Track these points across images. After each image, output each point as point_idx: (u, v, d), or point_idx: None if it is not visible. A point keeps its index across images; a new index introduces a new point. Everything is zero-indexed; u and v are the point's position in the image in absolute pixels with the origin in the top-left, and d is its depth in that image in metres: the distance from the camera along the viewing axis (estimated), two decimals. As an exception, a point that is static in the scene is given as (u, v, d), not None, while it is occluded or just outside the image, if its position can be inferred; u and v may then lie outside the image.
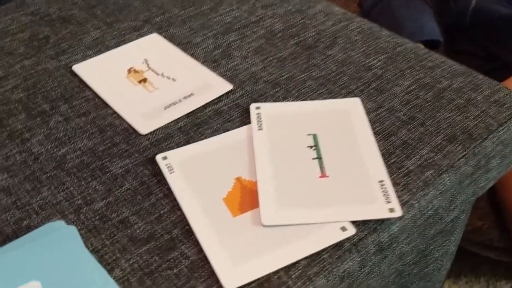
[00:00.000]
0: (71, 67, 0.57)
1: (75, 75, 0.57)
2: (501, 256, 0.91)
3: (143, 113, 0.51)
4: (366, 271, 0.42)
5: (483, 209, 0.87)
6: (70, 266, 0.37)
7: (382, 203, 0.42)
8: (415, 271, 0.60)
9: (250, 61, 0.57)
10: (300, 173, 0.44)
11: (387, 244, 0.42)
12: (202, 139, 0.48)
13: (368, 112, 0.50)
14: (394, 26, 0.81)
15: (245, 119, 0.50)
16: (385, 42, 0.59)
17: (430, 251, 0.60)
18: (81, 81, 0.56)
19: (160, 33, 0.62)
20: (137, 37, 0.61)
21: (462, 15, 0.89)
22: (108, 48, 0.60)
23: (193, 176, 0.45)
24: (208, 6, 0.66)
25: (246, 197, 0.43)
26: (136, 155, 0.47)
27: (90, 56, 0.59)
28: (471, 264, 1.08)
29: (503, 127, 0.49)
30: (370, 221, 0.41)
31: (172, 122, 0.50)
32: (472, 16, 0.87)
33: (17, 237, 0.41)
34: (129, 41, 0.61)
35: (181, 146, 0.48)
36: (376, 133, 0.48)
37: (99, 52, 0.60)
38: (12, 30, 0.64)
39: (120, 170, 0.46)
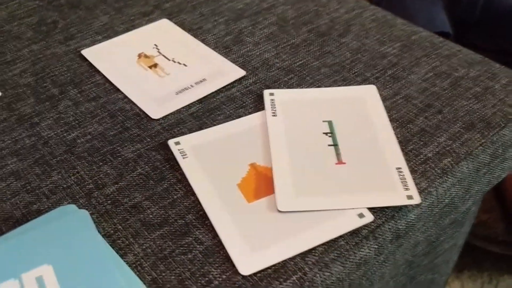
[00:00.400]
0: (80, 52, 0.56)
1: (84, 59, 0.56)
2: (505, 250, 0.91)
3: (155, 98, 0.50)
4: (382, 259, 0.41)
5: (488, 203, 0.86)
6: (82, 251, 0.36)
7: (400, 190, 0.41)
8: (425, 262, 0.59)
9: (263, 48, 0.56)
10: (316, 159, 0.44)
11: (403, 232, 0.41)
12: (214, 125, 0.48)
13: (384, 99, 0.50)
14: (405, 17, 0.80)
15: (258, 106, 0.49)
16: (399, 30, 0.59)
17: (440, 243, 0.59)
18: (90, 66, 0.55)
19: (170, 19, 0.61)
20: (147, 23, 0.61)
21: (472, 8, 0.88)
22: (117, 34, 0.59)
23: (207, 161, 0.44)
24: (219, -7, 0.65)
25: (261, 183, 0.42)
26: (148, 139, 0.46)
27: (99, 41, 0.58)
28: (474, 259, 1.08)
29: (521, 115, 0.48)
30: (387, 208, 0.40)
31: (184, 107, 0.49)
32: (482, 8, 0.86)
33: (27, 221, 0.40)
34: (139, 27, 0.60)
35: (194, 131, 0.47)
36: (392, 121, 0.47)
37: (108, 37, 0.59)
38: (20, 14, 0.63)
39: (132, 155, 0.45)
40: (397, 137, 0.46)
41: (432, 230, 0.47)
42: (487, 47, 0.88)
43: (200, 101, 0.50)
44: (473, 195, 0.49)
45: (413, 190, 0.41)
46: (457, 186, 0.44)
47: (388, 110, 0.48)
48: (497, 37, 0.86)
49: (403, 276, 0.58)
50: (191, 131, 0.47)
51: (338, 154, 0.44)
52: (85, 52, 0.56)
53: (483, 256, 1.08)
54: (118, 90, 0.52)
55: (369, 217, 0.39)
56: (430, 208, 0.43)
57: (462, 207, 0.49)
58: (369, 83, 0.51)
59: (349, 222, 0.39)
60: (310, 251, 0.38)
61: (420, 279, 0.63)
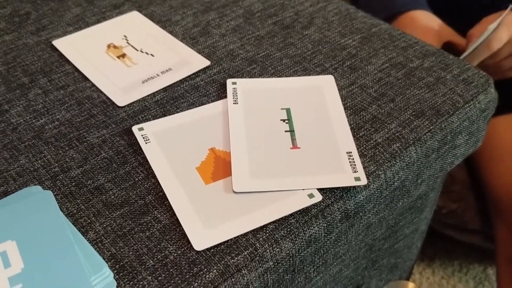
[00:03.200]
0: (51, 42, 0.58)
1: (55, 50, 0.57)
2: (474, 240, 0.94)
3: (121, 86, 0.52)
4: (333, 237, 0.44)
5: (457, 193, 0.89)
6: (44, 228, 0.38)
7: (348, 172, 0.43)
8: (386, 247, 0.62)
9: (228, 39, 0.59)
10: (273, 144, 0.46)
11: (353, 212, 0.44)
12: (178, 112, 0.50)
13: (341, 88, 0.52)
14: None
15: (221, 94, 0.52)
16: (361, 23, 0.61)
17: (400, 227, 0.62)
18: (61, 56, 0.56)
19: (140, 11, 0.63)
20: (117, 15, 0.62)
21: None
22: (88, 25, 0.61)
23: (168, 146, 0.46)
24: (189, -14, 0.67)
25: (219, 167, 0.44)
26: (113, 126, 0.48)
27: (70, 32, 0.60)
28: (445, 248, 1.11)
29: (469, 104, 0.51)
30: (337, 189, 0.43)
31: (149, 95, 0.51)
32: None
33: (-6, 202, 0.42)
34: (109, 19, 0.62)
35: (158, 118, 0.49)
36: (347, 108, 0.50)
37: (80, 28, 0.60)
38: (-6, 6, 0.64)
39: (97, 140, 0.47)
40: (350, 124, 0.48)
41: (385, 213, 0.49)
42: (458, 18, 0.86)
43: (165, 89, 0.52)
44: (425, 179, 0.51)
45: (361, 173, 0.43)
46: (405, 170, 0.47)
47: (344, 98, 0.51)
48: (453, 19, 0.86)
49: (364, 259, 0.61)
50: (155, 117, 0.49)
51: (293, 140, 0.46)
52: (56, 43, 0.58)
53: (454, 245, 1.11)
54: (86, 79, 0.53)
55: (318, 197, 0.42)
56: (379, 190, 0.45)
57: (414, 191, 0.51)
58: (327, 74, 0.54)
59: (299, 202, 0.41)
60: (261, 228, 0.40)
61: (382, 263, 0.66)
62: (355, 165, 0.44)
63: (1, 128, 0.48)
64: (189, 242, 0.39)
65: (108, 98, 0.51)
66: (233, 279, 0.37)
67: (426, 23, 0.76)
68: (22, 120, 0.49)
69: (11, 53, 0.57)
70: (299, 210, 0.41)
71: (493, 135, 0.79)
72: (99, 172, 0.44)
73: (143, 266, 0.38)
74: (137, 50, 0.57)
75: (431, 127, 0.48)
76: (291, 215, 0.41)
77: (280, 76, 0.54)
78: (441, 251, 1.11)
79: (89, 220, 0.41)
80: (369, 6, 0.84)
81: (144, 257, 0.38)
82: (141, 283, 0.37)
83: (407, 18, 0.78)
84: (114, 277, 0.37)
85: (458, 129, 0.50)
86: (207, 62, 0.55)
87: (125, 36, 0.58)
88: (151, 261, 0.38)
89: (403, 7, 0.78)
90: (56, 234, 0.38)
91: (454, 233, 0.94)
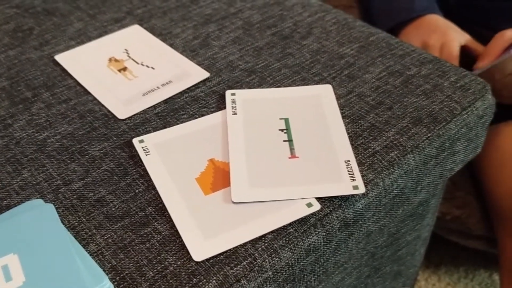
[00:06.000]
0: (53, 57, 0.59)
1: (57, 64, 0.58)
2: (479, 245, 0.93)
3: (122, 99, 0.53)
4: (333, 246, 0.44)
5: (461, 199, 0.89)
6: (46, 241, 0.39)
7: (346, 181, 0.44)
8: (388, 254, 0.62)
9: (228, 51, 0.59)
10: (271, 154, 0.46)
11: (352, 220, 0.44)
12: (178, 124, 0.50)
13: (339, 97, 0.52)
14: (404, 3, 0.81)
15: (220, 105, 0.52)
16: (358, 32, 0.61)
17: (402, 235, 0.62)
18: (63, 70, 0.57)
19: (141, 25, 0.64)
20: (119, 29, 0.63)
21: None
22: (90, 39, 0.62)
23: (168, 158, 0.46)
24: (189, -1, 0.68)
25: (218, 177, 0.45)
26: (114, 138, 0.49)
27: (72, 47, 0.61)
28: (450, 254, 1.11)
29: (466, 110, 0.51)
30: (335, 198, 0.43)
31: (150, 107, 0.52)
32: None
33: (-3, 215, 0.42)
34: (111, 32, 0.63)
35: (158, 130, 0.50)
36: (345, 117, 0.50)
37: (82, 43, 0.61)
38: (-2, 22, 0.66)
39: (99, 153, 0.48)
40: (348, 133, 0.48)
41: (385, 220, 0.49)
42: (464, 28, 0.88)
43: (165, 101, 0.53)
44: (425, 186, 0.52)
45: (359, 181, 0.44)
46: (404, 177, 0.47)
47: (342, 107, 0.51)
48: (472, 23, 0.87)
49: (367, 267, 0.61)
50: (155, 129, 0.50)
51: (292, 149, 0.47)
52: (59, 58, 0.59)
53: (460, 251, 1.11)
54: (88, 92, 0.54)
55: (316, 206, 0.42)
56: (378, 198, 0.45)
57: (414, 198, 0.51)
58: (326, 83, 0.54)
59: (298, 211, 0.42)
60: (260, 238, 0.40)
61: (385, 270, 0.66)
62: (353, 174, 0.44)
63: (5, 142, 0.49)
64: (188, 253, 0.39)
65: (109, 111, 0.52)
66: (232, 289, 0.38)
67: (445, 25, 0.77)
68: (25, 134, 0.50)
69: (14, 68, 0.58)
70: (298, 220, 0.41)
71: (495, 142, 0.79)
72: (100, 185, 0.45)
73: (143, 278, 0.38)
74: (137, 63, 0.57)
75: (429, 134, 0.49)
76: (289, 224, 0.41)
77: (279, 86, 0.54)
78: (446, 257, 1.10)
79: (90, 233, 0.41)
80: (382, 10, 0.85)
81: (144, 269, 0.39)
82: (142, 294, 0.37)
83: (426, 20, 0.79)
84: (114, 289, 0.37)
85: (456, 136, 0.51)
86: (206, 74, 0.56)
87: (126, 49, 0.59)
88: (151, 273, 0.38)
89: (422, 11, 0.80)
90: (58, 247, 0.38)
91: (459, 239, 0.93)
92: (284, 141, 0.48)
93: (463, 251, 1.10)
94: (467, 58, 0.77)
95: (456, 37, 0.76)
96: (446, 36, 0.76)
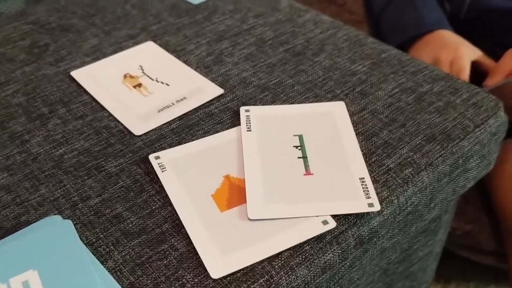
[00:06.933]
0: (69, 73, 0.60)
1: (73, 80, 0.59)
2: (490, 261, 0.93)
3: (138, 115, 0.53)
4: (348, 263, 0.44)
5: (471, 214, 0.89)
6: (65, 257, 0.39)
7: (361, 198, 0.44)
8: (400, 270, 0.62)
9: (241, 67, 0.60)
10: (286, 171, 0.47)
11: (367, 238, 0.44)
12: (193, 140, 0.51)
13: (352, 114, 0.53)
14: (416, 17, 0.82)
15: (235, 121, 0.53)
16: (370, 48, 0.62)
17: (414, 251, 0.62)
18: (79, 86, 0.58)
19: (155, 41, 0.65)
20: (134, 45, 0.64)
21: (458, 9, 0.88)
22: (105, 55, 0.63)
23: (184, 174, 0.47)
24: (202, 15, 0.69)
25: (234, 194, 0.45)
26: (130, 155, 0.50)
27: (88, 63, 0.62)
28: (460, 269, 1.10)
29: (479, 128, 0.51)
30: (350, 215, 0.43)
31: (165, 124, 0.53)
32: (468, 9, 0.87)
33: (16, 231, 0.43)
34: (126, 49, 0.64)
35: (174, 146, 0.50)
36: (358, 134, 0.51)
37: (97, 59, 0.62)
38: (14, 38, 0.67)
39: (115, 169, 0.48)
40: (362, 150, 0.49)
41: (399, 237, 0.50)
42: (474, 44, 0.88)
43: (180, 118, 0.53)
44: (438, 203, 0.52)
45: (374, 198, 0.44)
46: (418, 194, 0.47)
47: (355, 124, 0.52)
48: (482, 39, 0.87)
49: (380, 283, 0.61)
50: (171, 146, 0.50)
51: (306, 166, 0.47)
52: (74, 74, 0.60)
53: (470, 266, 1.10)
54: (104, 108, 0.55)
55: (332, 224, 0.42)
56: (392, 216, 0.46)
57: (428, 215, 0.52)
58: (338, 100, 0.55)
59: (314, 229, 0.42)
60: (276, 255, 0.41)
61: (397, 286, 0.66)
62: (368, 191, 0.44)
63: (22, 158, 0.50)
64: (205, 270, 0.40)
65: (125, 127, 0.52)
66: (249, 307, 0.38)
67: (455, 41, 0.78)
68: (42, 150, 0.51)
69: (31, 84, 0.59)
70: (314, 237, 0.42)
71: (507, 158, 0.79)
72: (117, 201, 0.45)
73: (161, 294, 0.39)
74: (152, 79, 0.58)
75: (442, 152, 0.49)
76: (305, 242, 0.41)
77: (292, 103, 0.55)
78: (457, 272, 1.10)
79: (108, 249, 0.42)
80: (392, 26, 0.85)
81: (162, 286, 0.39)
82: (160, 311, 0.38)
83: (436, 36, 0.80)
84: (133, 305, 0.38)
85: (469, 153, 0.51)
86: (220, 90, 0.56)
87: (140, 66, 0.60)
88: (169, 289, 0.39)
89: (432, 26, 0.80)
90: (76, 263, 0.39)
91: (469, 254, 0.93)
92: (299, 157, 0.48)
93: (473, 266, 1.09)
94: (478, 74, 0.77)
95: (467, 53, 0.76)
96: (457, 51, 0.76)
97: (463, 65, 0.75)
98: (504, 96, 0.69)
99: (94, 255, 0.41)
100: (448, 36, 0.80)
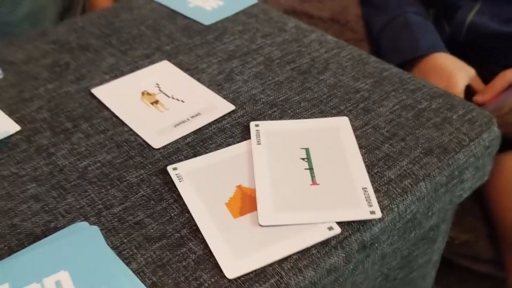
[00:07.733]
0: (90, 90, 0.64)
1: (94, 97, 0.63)
2: (487, 269, 0.96)
3: (156, 130, 0.57)
4: (351, 267, 0.48)
5: (469, 224, 0.92)
6: (94, 259, 0.43)
7: (364, 206, 0.48)
8: (400, 276, 0.66)
9: (251, 85, 0.64)
10: (294, 181, 0.51)
11: (369, 243, 0.48)
12: (207, 153, 0.55)
13: (355, 129, 0.57)
14: (411, 41, 0.85)
15: (245, 135, 0.57)
16: (373, 67, 0.66)
17: (414, 257, 0.65)
18: (99, 103, 0.62)
19: (169, 60, 0.69)
20: (149, 64, 0.68)
21: (457, 31, 0.90)
22: (123, 74, 0.67)
23: (200, 184, 0.51)
24: (213, 36, 0.73)
25: (246, 202, 0.49)
26: (150, 166, 0.54)
27: (107, 81, 0.66)
28: (459, 278, 1.13)
29: (474, 142, 0.55)
30: (354, 222, 0.47)
31: (181, 138, 0.57)
32: (467, 32, 0.89)
33: (45, 237, 0.47)
34: (142, 67, 0.68)
35: (189, 158, 0.54)
36: (361, 147, 0.54)
37: (115, 77, 0.66)
38: (36, 57, 0.71)
39: (136, 179, 0.52)
40: (365, 162, 0.53)
41: (399, 243, 0.53)
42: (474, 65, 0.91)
43: (195, 132, 0.57)
44: (435, 212, 0.56)
45: (376, 207, 0.48)
46: (417, 203, 0.51)
47: (358, 138, 0.56)
48: (481, 61, 0.90)
49: (381, 288, 0.64)
50: (187, 158, 0.54)
51: (313, 177, 0.51)
52: (95, 91, 0.64)
53: (468, 275, 1.13)
54: (124, 123, 0.59)
55: (337, 230, 0.46)
56: (392, 223, 0.49)
57: (426, 223, 0.55)
58: (343, 115, 0.59)
59: (320, 234, 0.46)
60: (286, 258, 0.44)
61: (399, 292, 0.69)
62: (370, 200, 0.48)
63: (49, 169, 0.54)
64: (221, 271, 0.43)
65: (144, 141, 0.56)
66: (262, 305, 0.42)
67: (450, 65, 0.81)
68: (67, 162, 0.55)
69: (53, 100, 0.63)
70: (320, 242, 0.45)
71: (502, 170, 0.83)
72: (139, 209, 0.49)
73: (182, 293, 0.42)
74: (168, 96, 0.62)
75: (439, 164, 0.53)
76: (312, 246, 0.45)
77: (299, 118, 0.59)
78: (456, 281, 1.13)
79: (131, 252, 0.45)
80: (389, 48, 0.88)
81: (181, 285, 0.43)
82: (180, 308, 0.41)
83: (431, 62, 0.82)
84: (156, 303, 0.41)
85: (465, 165, 0.55)
86: (232, 107, 0.60)
87: (157, 84, 0.64)
88: (188, 289, 0.42)
89: (426, 50, 0.83)
90: (104, 265, 0.43)
91: (468, 263, 0.96)
92: (306, 169, 0.52)
93: (472, 274, 1.12)
94: (471, 93, 0.81)
95: (460, 79, 0.79)
96: (451, 79, 0.79)
97: (457, 93, 0.77)
98: (502, 114, 0.73)
99: (119, 257, 0.45)
100: (442, 60, 0.82)
